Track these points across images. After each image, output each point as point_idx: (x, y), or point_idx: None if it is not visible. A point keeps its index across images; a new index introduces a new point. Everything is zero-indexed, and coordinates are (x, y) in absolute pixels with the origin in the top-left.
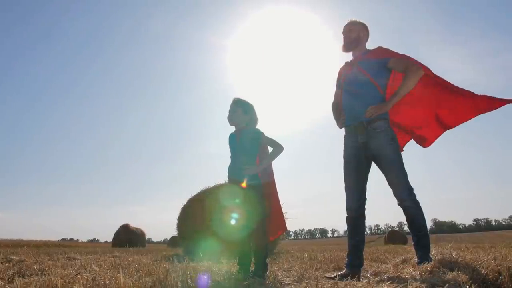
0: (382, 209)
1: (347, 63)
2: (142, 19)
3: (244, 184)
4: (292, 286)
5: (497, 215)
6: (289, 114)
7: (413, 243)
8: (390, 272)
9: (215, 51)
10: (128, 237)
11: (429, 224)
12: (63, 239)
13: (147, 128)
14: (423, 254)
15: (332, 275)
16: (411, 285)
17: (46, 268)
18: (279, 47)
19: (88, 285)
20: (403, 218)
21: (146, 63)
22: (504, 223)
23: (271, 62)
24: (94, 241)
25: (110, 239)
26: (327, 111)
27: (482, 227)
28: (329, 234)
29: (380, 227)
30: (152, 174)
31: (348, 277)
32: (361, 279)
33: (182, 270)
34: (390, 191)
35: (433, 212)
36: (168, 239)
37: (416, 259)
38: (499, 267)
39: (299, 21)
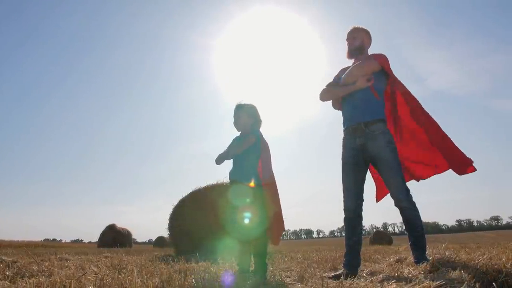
0: (367, 210)
1: (348, 66)
2: (130, 19)
3: (252, 184)
4: (298, 285)
5: (478, 216)
6: (273, 115)
7: (409, 243)
8: (385, 271)
9: (202, 51)
10: (114, 237)
11: None
12: (45, 240)
13: (133, 129)
14: (420, 254)
15: (331, 275)
16: (421, 283)
17: (45, 269)
18: (266, 47)
19: (97, 286)
20: (387, 219)
21: (134, 62)
22: (485, 224)
23: (258, 62)
24: (77, 242)
25: (93, 239)
26: (310, 114)
27: (465, 227)
28: (314, 235)
29: (365, 228)
30: (137, 175)
31: (348, 277)
32: (359, 279)
33: (183, 271)
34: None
35: None
36: (153, 239)
37: (412, 259)
38: (496, 266)
39: (286, 21)
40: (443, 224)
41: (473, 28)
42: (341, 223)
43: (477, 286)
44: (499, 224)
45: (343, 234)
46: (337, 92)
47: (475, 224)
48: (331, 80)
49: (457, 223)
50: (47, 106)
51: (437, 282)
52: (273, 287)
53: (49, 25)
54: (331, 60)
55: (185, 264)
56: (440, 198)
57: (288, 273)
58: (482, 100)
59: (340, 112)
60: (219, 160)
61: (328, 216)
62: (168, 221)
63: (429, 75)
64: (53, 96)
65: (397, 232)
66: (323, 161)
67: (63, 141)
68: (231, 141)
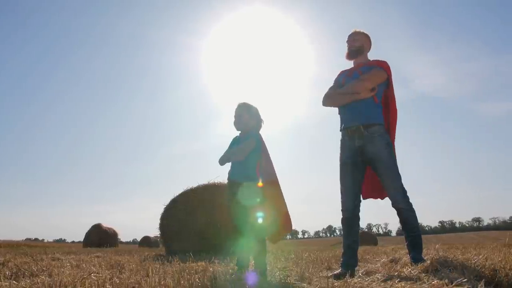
0: None
1: (349, 69)
2: (115, 20)
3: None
4: (304, 285)
5: (460, 217)
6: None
7: (406, 243)
8: (381, 271)
9: (190, 52)
10: (100, 237)
11: (396, 226)
12: (27, 239)
13: (119, 128)
14: (416, 254)
15: (330, 274)
16: (430, 281)
17: (44, 269)
18: (254, 47)
19: (114, 285)
20: (371, 220)
21: (121, 62)
22: (467, 225)
23: (246, 62)
24: (60, 241)
25: (76, 239)
26: (296, 115)
27: (447, 229)
28: (300, 235)
29: None
30: (120, 174)
31: (347, 276)
32: (358, 278)
33: (185, 270)
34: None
35: None
36: (138, 239)
37: (409, 259)
38: (493, 266)
39: (273, 22)
40: (427, 225)
41: (460, 31)
42: (326, 224)
43: (483, 285)
44: (481, 225)
45: (328, 235)
46: (341, 100)
47: (457, 225)
48: (319, 79)
49: (440, 224)
50: (32, 104)
51: (457, 281)
52: (279, 287)
53: (34, 24)
54: (319, 60)
55: (186, 264)
56: (423, 200)
57: (287, 273)
58: (467, 104)
59: (328, 114)
60: (223, 162)
61: (312, 217)
62: (159, 221)
63: (415, 77)
64: (39, 95)
65: (381, 233)
66: (309, 162)
67: (46, 140)
68: (231, 142)
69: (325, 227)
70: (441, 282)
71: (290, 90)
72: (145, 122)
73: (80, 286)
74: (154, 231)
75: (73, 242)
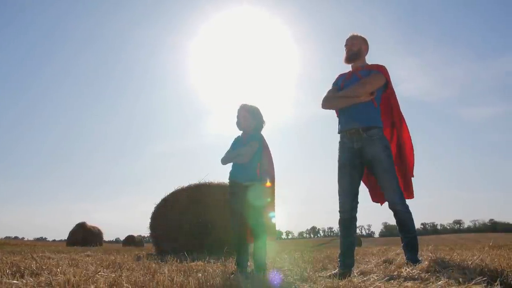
0: (335, 212)
1: (347, 72)
2: (103, 18)
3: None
4: (310, 285)
5: (442, 219)
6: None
7: (402, 244)
8: (376, 271)
9: (178, 51)
10: (84, 235)
11: (379, 228)
12: (7, 237)
13: (104, 127)
14: (413, 255)
15: (328, 274)
16: (438, 281)
17: (43, 267)
18: (242, 47)
19: (132, 283)
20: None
21: (110, 61)
22: (448, 227)
23: (234, 62)
24: (41, 240)
25: (58, 237)
26: (281, 115)
27: (429, 230)
28: (284, 236)
29: (333, 230)
30: (104, 173)
31: (346, 276)
32: (354, 278)
33: (187, 270)
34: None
35: (383, 216)
36: (121, 238)
37: (405, 259)
38: (489, 266)
39: (260, 22)
40: None
41: (445, 36)
42: (309, 225)
43: (498, 284)
44: (461, 227)
45: (312, 236)
46: (340, 103)
47: (438, 227)
48: (305, 79)
49: (422, 226)
50: (17, 101)
51: (475, 280)
52: (284, 287)
53: (22, 22)
54: (305, 60)
55: (184, 264)
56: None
57: (287, 273)
58: (451, 108)
59: (314, 115)
60: (225, 162)
61: (296, 218)
62: (149, 220)
63: (400, 81)
64: (24, 92)
65: (364, 234)
66: (295, 163)
67: (30, 137)
68: (232, 142)
69: (309, 228)
70: (451, 281)
71: (276, 89)
72: (132, 121)
73: (92, 284)
74: (137, 230)
75: (54, 240)
